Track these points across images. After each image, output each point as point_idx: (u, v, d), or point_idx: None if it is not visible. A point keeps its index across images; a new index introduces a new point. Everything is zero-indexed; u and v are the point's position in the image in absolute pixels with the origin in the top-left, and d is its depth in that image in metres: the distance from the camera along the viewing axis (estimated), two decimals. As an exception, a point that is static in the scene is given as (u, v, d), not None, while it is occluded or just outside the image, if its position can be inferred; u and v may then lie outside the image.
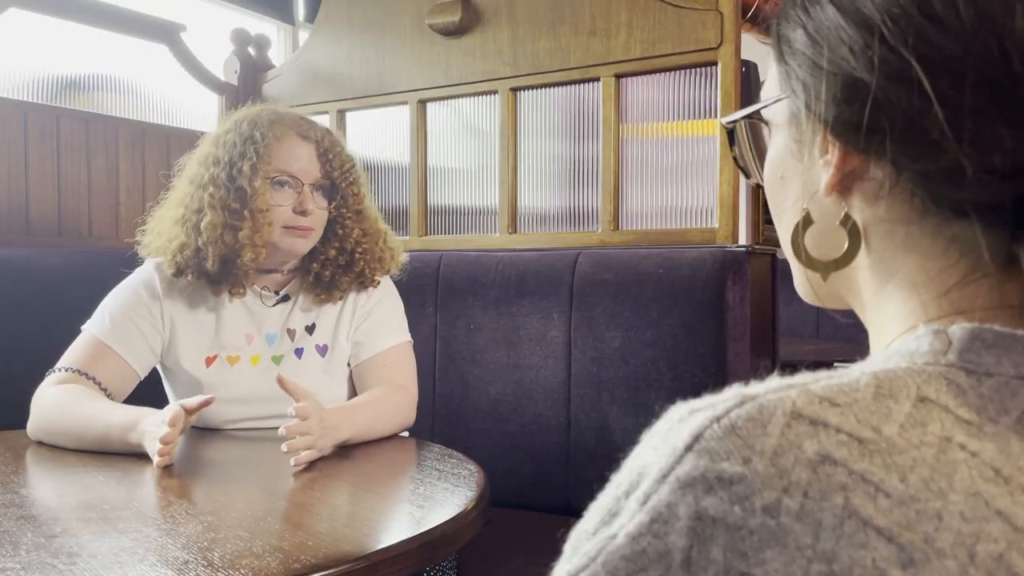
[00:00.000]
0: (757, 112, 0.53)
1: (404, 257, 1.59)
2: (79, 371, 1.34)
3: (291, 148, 1.41)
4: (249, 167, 1.37)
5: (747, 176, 0.57)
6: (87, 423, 1.23)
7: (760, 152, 0.55)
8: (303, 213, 1.40)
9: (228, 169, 1.38)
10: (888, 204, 0.45)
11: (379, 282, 1.52)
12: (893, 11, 0.41)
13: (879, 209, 0.45)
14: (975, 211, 0.41)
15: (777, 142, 0.52)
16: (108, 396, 1.35)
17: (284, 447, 1.15)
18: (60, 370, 1.34)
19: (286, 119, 1.44)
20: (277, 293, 1.49)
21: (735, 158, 0.57)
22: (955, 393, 0.39)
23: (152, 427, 1.16)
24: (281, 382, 1.22)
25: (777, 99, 0.50)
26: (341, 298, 1.49)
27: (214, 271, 1.38)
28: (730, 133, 0.57)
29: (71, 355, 1.37)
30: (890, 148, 0.42)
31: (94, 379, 1.34)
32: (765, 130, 0.54)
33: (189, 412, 1.18)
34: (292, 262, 1.49)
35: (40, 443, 1.29)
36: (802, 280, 0.53)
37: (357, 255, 1.47)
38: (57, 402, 1.28)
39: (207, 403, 1.19)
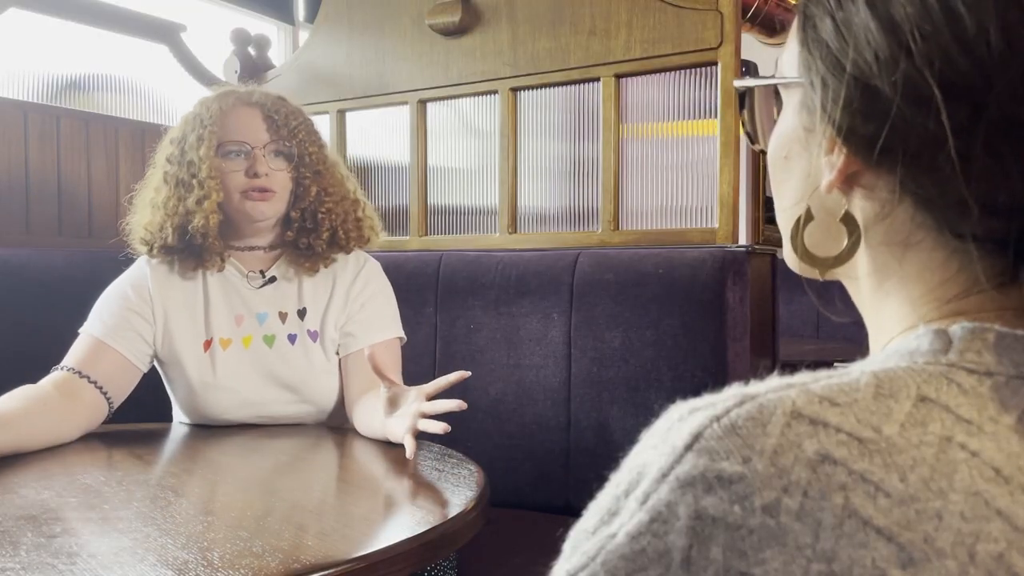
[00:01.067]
0: (772, 84, 0.53)
1: (383, 234, 1.62)
2: (75, 370, 1.35)
3: (236, 116, 1.44)
4: (196, 139, 1.42)
5: (752, 142, 0.57)
6: None
7: (770, 119, 0.55)
8: (255, 175, 1.42)
9: (181, 145, 1.44)
10: (890, 219, 0.44)
11: (354, 248, 1.53)
12: (924, 27, 0.40)
13: (880, 221, 0.45)
14: (974, 240, 0.41)
15: (787, 119, 0.51)
16: (105, 395, 1.35)
17: (410, 455, 1.16)
18: (57, 369, 1.36)
19: (232, 91, 1.48)
20: (263, 274, 1.49)
21: (743, 122, 0.57)
22: (955, 392, 0.39)
23: None
24: (377, 370, 1.21)
25: (795, 80, 0.49)
26: (327, 264, 1.50)
27: (175, 244, 1.42)
28: (741, 96, 0.56)
29: (70, 356, 1.38)
30: (900, 171, 0.42)
31: (88, 378, 1.34)
32: (776, 100, 0.54)
33: None
34: (270, 237, 1.50)
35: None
36: (794, 258, 0.53)
37: (320, 215, 1.47)
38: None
39: None
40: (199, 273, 1.47)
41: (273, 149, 1.44)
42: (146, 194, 1.49)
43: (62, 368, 1.35)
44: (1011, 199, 0.39)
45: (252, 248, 1.50)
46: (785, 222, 0.52)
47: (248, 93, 1.47)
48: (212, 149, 1.42)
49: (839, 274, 0.51)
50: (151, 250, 1.45)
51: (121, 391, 1.39)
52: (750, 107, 0.56)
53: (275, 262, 1.51)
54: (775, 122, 0.53)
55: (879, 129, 0.41)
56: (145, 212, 1.47)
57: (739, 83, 0.56)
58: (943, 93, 0.39)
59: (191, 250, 1.44)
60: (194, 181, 1.41)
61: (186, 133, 1.44)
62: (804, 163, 0.49)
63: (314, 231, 1.47)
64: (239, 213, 1.44)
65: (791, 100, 0.51)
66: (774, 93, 0.54)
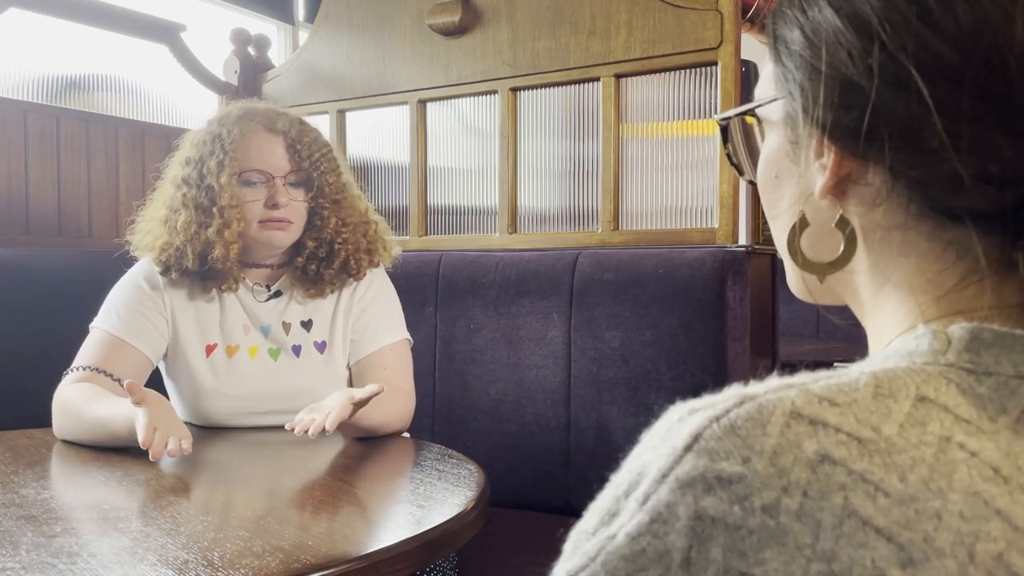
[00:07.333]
0: (752, 110, 0.53)
1: (397, 250, 1.59)
2: (95, 368, 1.35)
3: (259, 144, 1.41)
4: (216, 164, 1.39)
5: (740, 174, 0.57)
6: (99, 424, 1.23)
7: (753, 150, 0.55)
8: (275, 206, 1.40)
9: (199, 167, 1.41)
10: (885, 209, 0.44)
11: (366, 274, 1.51)
12: (892, 16, 0.41)
13: (875, 214, 0.45)
14: (971, 218, 0.41)
15: (771, 141, 0.52)
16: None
17: (287, 426, 1.22)
18: (76, 369, 1.35)
19: (254, 113, 1.44)
20: (268, 288, 1.49)
21: (728, 155, 0.57)
22: (954, 392, 0.39)
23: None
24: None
25: (773, 99, 0.50)
26: (332, 291, 1.49)
27: (195, 269, 1.40)
28: (724, 130, 0.57)
29: (85, 353, 1.38)
30: (888, 155, 0.42)
31: (111, 376, 1.35)
32: (759, 128, 0.54)
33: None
34: (277, 256, 1.49)
35: (53, 443, 1.29)
36: (796, 278, 0.53)
37: (337, 245, 1.46)
38: (72, 403, 1.29)
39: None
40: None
41: (292, 179, 1.43)
42: (158, 211, 1.45)
43: (82, 368, 1.35)
44: (1003, 169, 0.39)
45: (259, 265, 1.49)
46: (782, 237, 0.52)
47: (271, 119, 1.43)
48: (234, 177, 1.39)
49: (838, 288, 0.51)
50: (168, 271, 1.42)
51: None
52: (733, 139, 0.56)
53: (280, 278, 1.51)
54: (760, 151, 0.54)
55: (862, 116, 0.42)
56: (159, 231, 1.43)
57: (720, 116, 0.56)
58: (920, 73, 0.40)
59: (209, 274, 1.43)
60: (214, 209, 1.38)
61: (204, 155, 1.41)
62: (795, 177, 0.50)
63: (327, 260, 1.46)
64: (255, 240, 1.43)
65: (773, 122, 0.51)
66: (756, 121, 0.54)
